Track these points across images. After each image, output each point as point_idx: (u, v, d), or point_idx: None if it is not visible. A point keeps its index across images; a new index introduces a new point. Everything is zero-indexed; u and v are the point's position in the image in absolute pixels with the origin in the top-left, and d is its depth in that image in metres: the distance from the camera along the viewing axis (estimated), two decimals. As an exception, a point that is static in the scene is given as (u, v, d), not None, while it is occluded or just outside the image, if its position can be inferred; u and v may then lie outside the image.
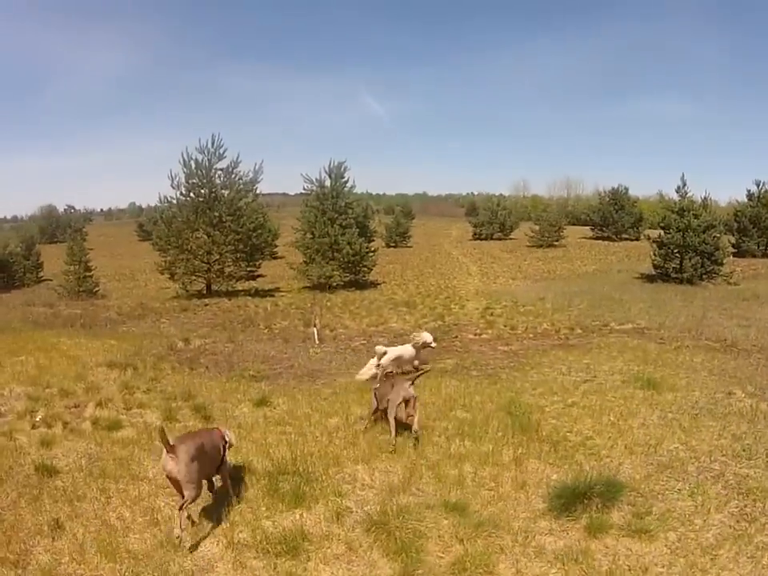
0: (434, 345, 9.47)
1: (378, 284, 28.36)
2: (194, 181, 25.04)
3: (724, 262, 25.94)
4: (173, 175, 24.69)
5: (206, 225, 25.07)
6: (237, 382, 8.90)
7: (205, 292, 25.19)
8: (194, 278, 25.31)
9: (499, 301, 19.14)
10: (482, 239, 54.47)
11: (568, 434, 6.12)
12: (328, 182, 27.97)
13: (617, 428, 6.24)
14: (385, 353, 8.92)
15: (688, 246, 25.03)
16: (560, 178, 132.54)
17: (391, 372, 7.00)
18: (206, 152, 24.71)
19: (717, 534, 4.16)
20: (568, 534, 4.19)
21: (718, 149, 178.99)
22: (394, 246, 51.08)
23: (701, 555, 3.90)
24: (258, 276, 29.82)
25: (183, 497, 4.15)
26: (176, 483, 4.24)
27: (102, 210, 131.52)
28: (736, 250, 34.26)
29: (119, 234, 76.87)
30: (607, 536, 4.12)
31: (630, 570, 3.75)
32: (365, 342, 13.06)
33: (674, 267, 25.54)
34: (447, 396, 7.60)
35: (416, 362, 9.36)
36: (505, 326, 14.25)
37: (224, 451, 4.63)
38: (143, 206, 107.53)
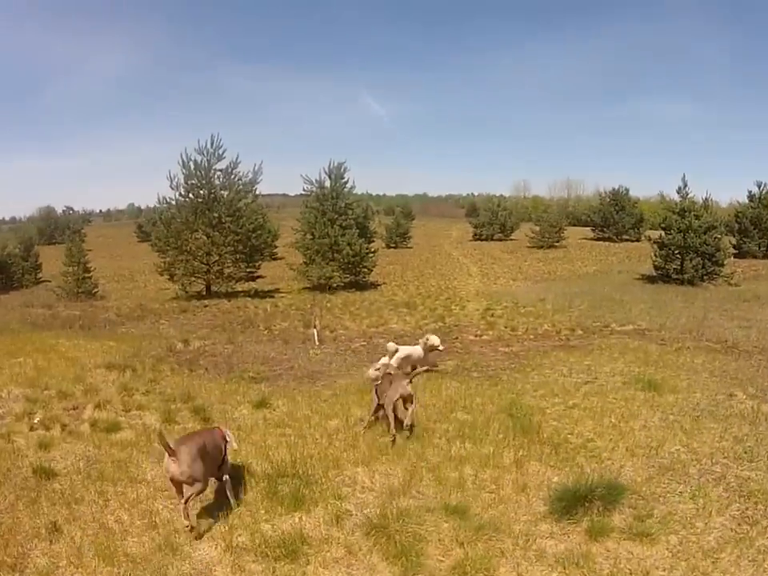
0: (441, 348, 9.54)
1: (379, 285, 28.37)
2: (193, 182, 25.03)
3: (725, 263, 25.94)
4: (172, 176, 24.76)
5: (205, 226, 25.06)
6: (236, 384, 8.88)
7: (204, 293, 25.18)
8: (193, 279, 25.31)
9: (500, 302, 19.11)
10: (482, 240, 54.48)
11: (569, 436, 6.10)
12: (328, 183, 28.01)
13: (618, 430, 6.21)
14: (396, 350, 9.09)
15: (689, 246, 25.02)
16: (561, 178, 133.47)
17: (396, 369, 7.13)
18: (204, 153, 24.73)
19: (718, 537, 4.13)
20: (569, 537, 4.16)
21: (718, 150, 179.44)
22: (395, 247, 51.11)
23: (702, 559, 3.87)
24: (258, 277, 29.82)
25: (184, 496, 4.18)
26: (178, 485, 4.24)
27: (100, 211, 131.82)
28: (737, 251, 34.27)
29: (118, 235, 76.89)
30: (608, 539, 4.09)
31: (631, 573, 3.72)
32: (365, 343, 13.04)
33: (674, 268, 25.53)
34: (448, 397, 7.57)
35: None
36: (505, 327, 14.23)
37: (225, 450, 4.64)
38: (142, 207, 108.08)
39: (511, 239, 54.32)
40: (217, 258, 25.25)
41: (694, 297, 19.94)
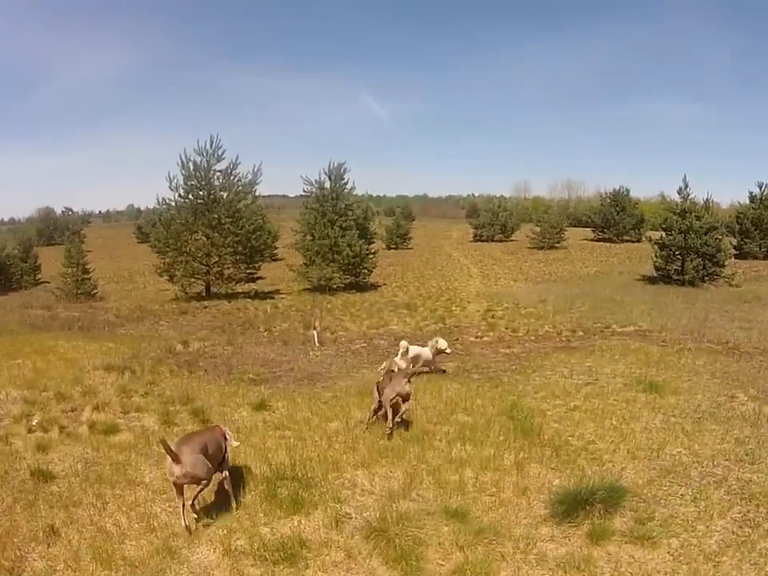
0: (448, 351, 9.82)
1: (379, 286, 28.33)
2: (193, 183, 24.98)
3: (726, 263, 25.90)
4: (171, 177, 24.70)
5: (204, 227, 25.02)
6: (236, 386, 8.86)
7: (204, 294, 25.15)
8: (192, 280, 25.26)
9: (500, 303, 19.08)
10: (482, 241, 54.42)
11: (570, 438, 6.07)
12: (328, 184, 27.95)
13: (619, 432, 6.19)
14: (407, 349, 9.24)
15: (690, 247, 24.98)
16: (561, 179, 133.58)
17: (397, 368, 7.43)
18: (204, 153, 24.67)
19: (720, 540, 4.11)
20: (570, 540, 4.14)
21: (719, 150, 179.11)
22: (395, 248, 51.08)
23: (704, 562, 3.85)
24: (258, 278, 29.78)
25: (191, 495, 4.28)
26: (180, 487, 4.26)
27: (100, 212, 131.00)
28: (738, 252, 34.21)
29: (117, 236, 76.84)
30: (609, 543, 4.07)
31: (632, 577, 3.70)
32: (365, 344, 13.02)
33: (675, 269, 25.48)
34: (448, 399, 7.55)
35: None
36: (506, 329, 14.20)
37: (225, 448, 4.67)
38: (142, 208, 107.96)
39: (512, 240, 54.26)
40: (216, 259, 25.20)
41: (694, 298, 19.91)
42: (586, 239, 52.23)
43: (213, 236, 24.84)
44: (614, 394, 7.65)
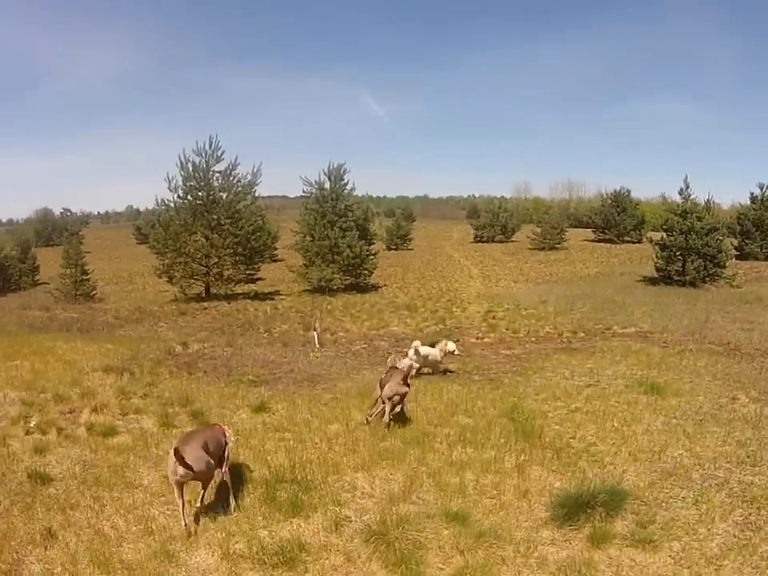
0: (456, 352, 9.92)
1: (379, 287, 28.27)
2: (192, 183, 24.91)
3: (727, 264, 25.84)
4: (170, 178, 24.65)
5: (204, 228, 24.97)
6: (235, 387, 8.83)
7: (203, 295, 25.09)
8: (192, 281, 25.20)
9: (501, 304, 19.05)
10: (483, 242, 54.36)
11: (571, 440, 6.05)
12: (328, 185, 27.87)
13: (620, 434, 6.16)
14: (418, 348, 9.34)
15: (691, 248, 24.93)
16: (562, 180, 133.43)
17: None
18: (203, 154, 24.60)
19: (721, 543, 4.09)
20: (571, 544, 4.11)
21: (721, 151, 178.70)
22: (395, 249, 51.01)
23: (705, 566, 3.83)
24: (258, 279, 29.70)
25: (181, 498, 4.28)
26: (181, 487, 4.26)
27: (98, 213, 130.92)
28: (739, 253, 34.15)
29: (116, 237, 76.81)
30: (611, 546, 4.05)
31: (634, 581, 3.67)
32: (366, 345, 12.99)
33: (676, 270, 25.42)
34: (449, 401, 7.52)
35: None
36: (507, 330, 14.17)
37: (226, 447, 4.70)
38: (140, 209, 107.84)
39: (512, 241, 54.22)
40: (216, 260, 25.15)
41: (695, 299, 19.87)
42: (587, 240, 52.18)
43: (212, 237, 24.80)
44: (616, 395, 7.62)
